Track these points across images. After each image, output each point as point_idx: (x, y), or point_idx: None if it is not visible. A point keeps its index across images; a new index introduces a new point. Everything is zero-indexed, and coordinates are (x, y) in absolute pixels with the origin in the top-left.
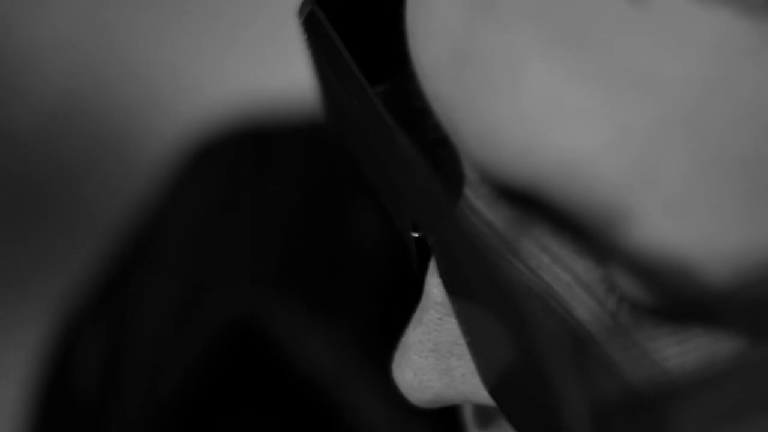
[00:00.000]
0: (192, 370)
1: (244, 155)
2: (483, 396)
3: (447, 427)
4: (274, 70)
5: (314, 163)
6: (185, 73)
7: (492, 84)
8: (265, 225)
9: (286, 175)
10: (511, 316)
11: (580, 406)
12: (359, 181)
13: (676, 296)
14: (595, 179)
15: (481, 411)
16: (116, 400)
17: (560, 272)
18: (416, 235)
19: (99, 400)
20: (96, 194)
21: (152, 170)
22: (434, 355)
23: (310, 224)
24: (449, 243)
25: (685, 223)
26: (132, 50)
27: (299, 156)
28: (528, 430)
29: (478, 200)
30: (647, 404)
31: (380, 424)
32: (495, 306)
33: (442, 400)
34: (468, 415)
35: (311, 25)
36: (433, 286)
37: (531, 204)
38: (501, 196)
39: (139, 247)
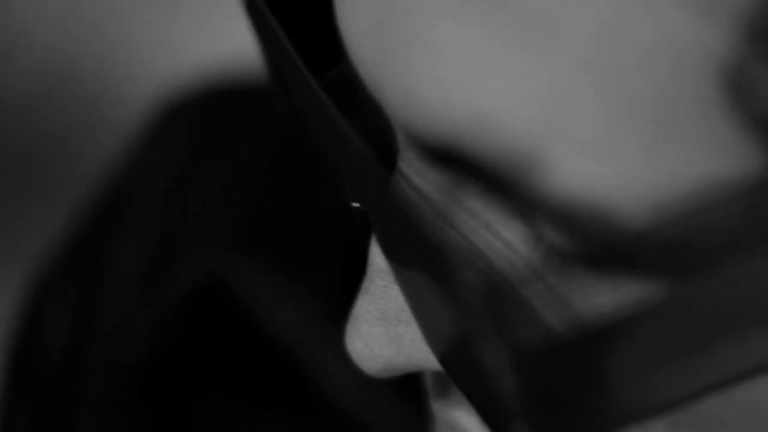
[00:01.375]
0: (160, 332)
1: (213, 119)
2: (433, 362)
3: (413, 391)
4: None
5: (284, 127)
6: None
7: (408, 44)
8: (235, 188)
9: (256, 139)
10: (445, 280)
11: (512, 362)
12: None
13: (597, 242)
14: (509, 130)
15: (439, 379)
16: (84, 361)
17: (488, 231)
18: (357, 205)
19: (67, 362)
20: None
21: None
22: (382, 324)
23: (281, 188)
24: (384, 213)
25: (598, 167)
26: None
27: (269, 120)
28: (470, 392)
29: (409, 169)
30: (573, 351)
31: (347, 386)
32: (430, 271)
33: (393, 368)
34: (429, 384)
35: (252, 11)
36: (376, 254)
37: (455, 164)
38: (429, 161)
39: (109, 210)
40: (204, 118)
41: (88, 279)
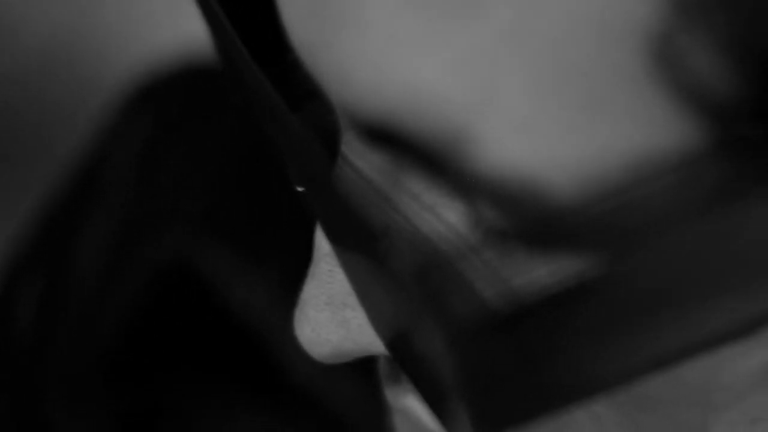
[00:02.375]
0: (127, 313)
1: (183, 100)
2: (380, 346)
3: (373, 370)
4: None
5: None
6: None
7: (340, 24)
8: (203, 169)
9: (225, 120)
10: (386, 263)
11: (449, 341)
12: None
13: (531, 218)
14: (439, 107)
15: (391, 365)
16: (51, 342)
17: (430, 214)
18: (302, 189)
19: (34, 342)
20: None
21: (96, 114)
22: (329, 308)
23: (249, 169)
24: (325, 196)
25: (528, 142)
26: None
27: (239, 101)
28: (413, 376)
29: (351, 152)
30: (510, 328)
31: (312, 367)
32: (371, 254)
33: (342, 353)
34: (382, 370)
35: (202, 2)
36: (321, 238)
37: (393, 145)
38: (368, 142)
39: (79, 189)
40: (173, 99)
41: (57, 259)
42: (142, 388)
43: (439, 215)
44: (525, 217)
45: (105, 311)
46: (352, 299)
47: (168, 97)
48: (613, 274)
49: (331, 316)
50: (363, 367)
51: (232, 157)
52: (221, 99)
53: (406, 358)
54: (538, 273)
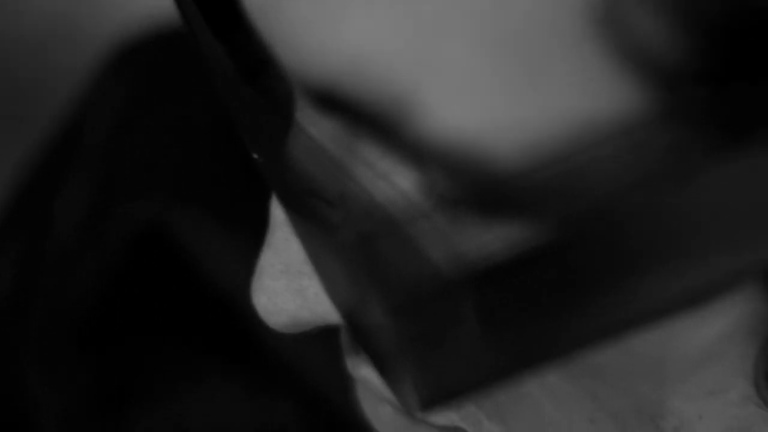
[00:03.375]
0: (102, 279)
1: (160, 64)
2: (336, 316)
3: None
4: None
5: None
6: None
7: None
8: (179, 134)
9: (201, 86)
10: (338, 231)
11: (398, 305)
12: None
13: (477, 185)
14: (383, 71)
15: (351, 335)
16: (27, 306)
17: (385, 182)
18: (257, 158)
19: (10, 307)
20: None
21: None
22: (285, 277)
23: (225, 135)
24: (278, 163)
25: (473, 106)
26: None
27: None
28: (365, 345)
29: (305, 120)
30: (456, 293)
31: (286, 334)
32: (326, 221)
33: (299, 322)
34: (342, 340)
35: None
36: (276, 206)
37: (342, 111)
38: (319, 109)
39: (57, 153)
40: (149, 64)
41: (34, 225)
42: (116, 353)
43: (392, 182)
44: (472, 183)
45: (80, 276)
46: (308, 268)
47: (143, 63)
48: (561, 240)
49: (287, 285)
50: (336, 335)
51: (206, 123)
52: (197, 64)
53: (358, 326)
54: (488, 239)
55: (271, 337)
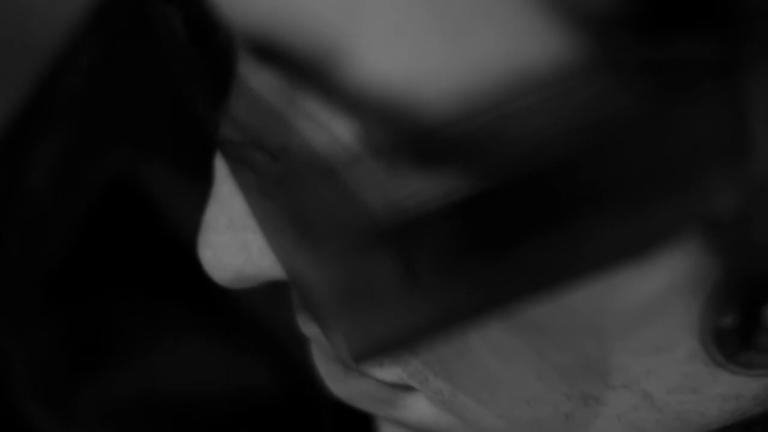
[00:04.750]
0: (74, 230)
1: (139, 17)
2: (281, 271)
3: None
4: None
5: None
6: None
7: None
8: (149, 89)
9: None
10: (280, 182)
11: (332, 256)
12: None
13: (410, 132)
14: (311, 19)
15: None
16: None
17: (322, 131)
18: (201, 113)
19: None
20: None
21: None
22: (230, 231)
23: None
24: (222, 119)
25: (401, 54)
26: None
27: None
28: (305, 300)
29: (246, 71)
30: (392, 240)
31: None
32: (268, 174)
33: (244, 277)
34: (293, 297)
35: None
36: (220, 160)
37: (277, 61)
38: (256, 59)
39: (35, 104)
40: (124, 22)
41: (8, 177)
42: (88, 305)
43: (331, 133)
44: (404, 132)
45: (51, 228)
46: (253, 222)
47: (116, 21)
48: (493, 189)
49: (232, 239)
50: None
51: (175, 78)
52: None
53: (297, 279)
54: (422, 186)
55: (240, 292)
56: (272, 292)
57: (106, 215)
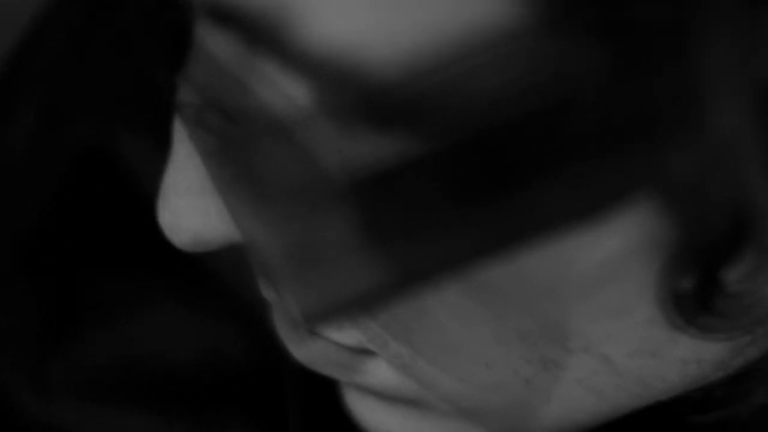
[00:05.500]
0: (49, 198)
1: None
2: (238, 236)
3: None
4: None
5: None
6: None
7: None
8: (122, 62)
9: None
10: (244, 146)
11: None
12: None
13: (362, 93)
14: None
15: None
16: None
17: (279, 94)
18: (158, 73)
19: None
20: None
21: None
22: (188, 195)
23: (167, 56)
24: (180, 79)
25: (350, 16)
26: None
27: None
28: (261, 262)
29: (203, 34)
30: (344, 200)
31: (229, 255)
32: (228, 137)
33: (202, 241)
34: (254, 263)
35: None
36: (179, 123)
37: (231, 23)
38: (211, 21)
39: (13, 74)
40: None
41: None
42: (62, 275)
43: (287, 95)
44: (357, 92)
45: (26, 198)
46: (211, 185)
47: None
48: (445, 148)
49: (190, 203)
50: None
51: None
52: None
53: (253, 242)
54: (377, 147)
55: (210, 260)
56: (242, 257)
57: (80, 183)
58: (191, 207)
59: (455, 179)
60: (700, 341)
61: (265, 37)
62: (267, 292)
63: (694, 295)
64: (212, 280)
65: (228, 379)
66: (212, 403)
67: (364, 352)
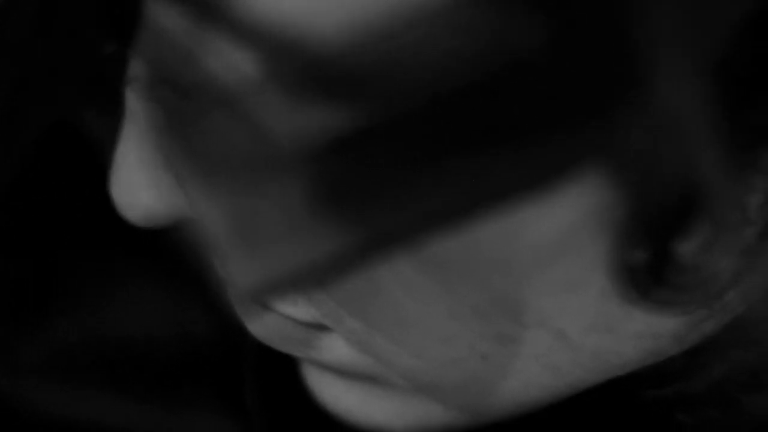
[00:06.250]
0: (16, 176)
1: None
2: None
3: None
4: None
5: None
6: None
7: None
8: (87, 39)
9: None
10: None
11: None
12: None
13: (307, 66)
14: None
15: None
16: None
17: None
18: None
19: None
20: None
21: None
22: (141, 169)
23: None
24: (130, 53)
25: None
26: None
27: None
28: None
29: (153, 12)
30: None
31: None
32: (180, 112)
33: (156, 215)
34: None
35: None
36: (131, 97)
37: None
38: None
39: None
40: None
41: None
42: (32, 255)
43: (236, 67)
44: (304, 62)
45: None
46: (163, 159)
47: None
48: (392, 118)
49: (142, 177)
50: None
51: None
52: None
53: (199, 213)
54: (323, 117)
55: (177, 237)
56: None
57: (47, 160)
58: (143, 181)
59: (402, 149)
60: (656, 316)
61: (213, 9)
62: (221, 270)
63: (647, 267)
64: (181, 258)
65: (196, 357)
66: (181, 382)
67: (321, 328)
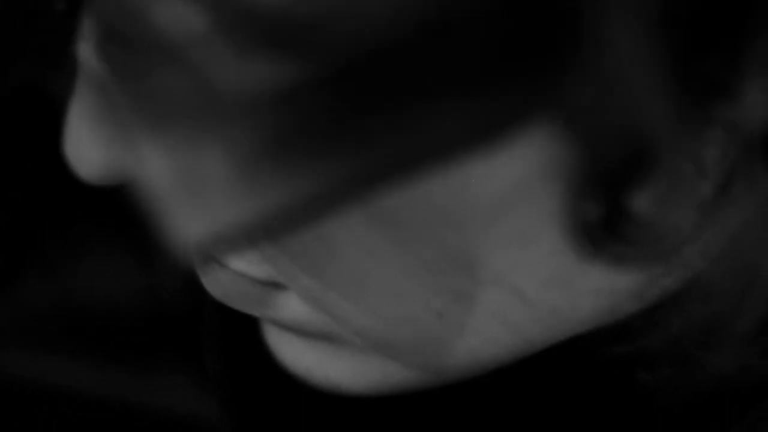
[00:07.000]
0: None
1: None
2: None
3: None
4: None
5: None
6: None
7: None
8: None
9: None
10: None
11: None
12: None
13: (250, 19)
14: None
15: None
16: None
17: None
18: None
19: None
20: None
21: None
22: (92, 126)
23: None
24: (81, 9)
25: None
26: None
27: None
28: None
29: None
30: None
31: None
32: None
33: (109, 173)
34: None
35: None
36: (84, 53)
37: None
38: None
39: None
40: None
41: None
42: (2, 222)
43: (182, 21)
44: (248, 15)
45: None
46: (116, 116)
47: None
48: (335, 71)
49: (94, 134)
50: None
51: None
52: None
53: (143, 168)
54: (266, 70)
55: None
56: None
57: (14, 122)
58: (96, 139)
59: (346, 101)
60: (613, 272)
61: None
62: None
63: (601, 221)
64: (144, 223)
65: (162, 322)
66: (147, 347)
67: (277, 287)
